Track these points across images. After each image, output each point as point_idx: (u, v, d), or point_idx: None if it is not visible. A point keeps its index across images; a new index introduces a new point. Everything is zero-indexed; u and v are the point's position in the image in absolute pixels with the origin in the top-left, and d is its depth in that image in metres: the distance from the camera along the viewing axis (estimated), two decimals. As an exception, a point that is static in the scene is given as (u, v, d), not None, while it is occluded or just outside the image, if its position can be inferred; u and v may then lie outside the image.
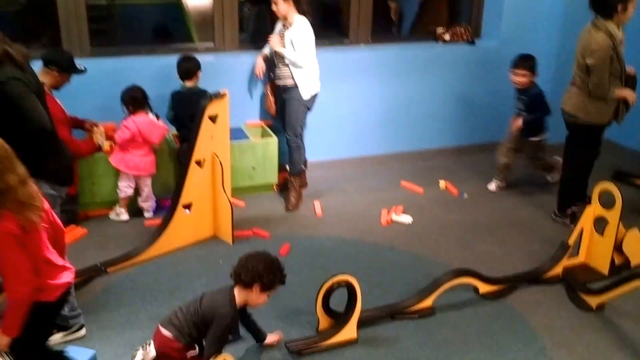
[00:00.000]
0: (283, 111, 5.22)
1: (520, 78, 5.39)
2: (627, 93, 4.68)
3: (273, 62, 5.18)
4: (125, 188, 4.83)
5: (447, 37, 6.18)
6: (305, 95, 5.07)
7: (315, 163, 5.73)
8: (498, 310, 3.94)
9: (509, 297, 4.08)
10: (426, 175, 5.96)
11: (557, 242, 4.47)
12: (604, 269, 4.36)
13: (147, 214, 4.96)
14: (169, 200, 4.91)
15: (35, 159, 2.85)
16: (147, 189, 4.90)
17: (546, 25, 6.27)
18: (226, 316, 3.07)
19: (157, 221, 4.68)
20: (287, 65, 5.03)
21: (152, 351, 3.22)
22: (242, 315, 3.30)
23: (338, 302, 3.58)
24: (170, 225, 4.38)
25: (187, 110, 4.71)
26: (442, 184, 5.70)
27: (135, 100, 4.73)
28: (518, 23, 6.21)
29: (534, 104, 5.41)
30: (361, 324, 3.60)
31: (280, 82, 5.14)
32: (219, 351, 3.05)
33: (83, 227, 4.71)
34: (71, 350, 3.19)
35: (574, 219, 4.97)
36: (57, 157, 3.35)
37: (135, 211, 4.96)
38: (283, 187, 5.41)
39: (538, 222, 5.17)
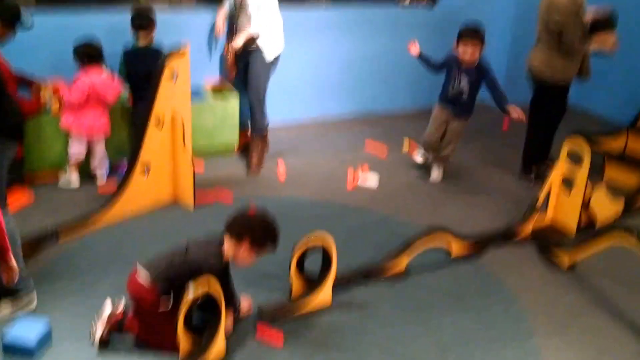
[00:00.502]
0: (245, 72, 4.95)
1: (472, 54, 4.67)
2: (602, 39, 4.56)
3: (233, 20, 4.90)
4: (76, 152, 4.49)
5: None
6: (269, 56, 4.82)
7: (276, 124, 5.51)
8: (472, 272, 3.84)
9: (482, 259, 3.98)
10: (389, 137, 5.80)
11: (526, 202, 4.41)
12: (572, 228, 4.29)
13: (100, 180, 4.64)
14: (122, 165, 4.63)
15: None
16: (101, 152, 4.58)
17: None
18: (214, 271, 2.86)
19: (111, 187, 4.39)
20: (249, 21, 4.75)
21: (121, 306, 3.04)
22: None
23: (309, 265, 3.40)
24: (127, 189, 4.09)
25: (142, 69, 4.41)
26: (406, 145, 5.55)
27: (90, 55, 4.36)
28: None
29: (483, 78, 4.76)
30: (334, 288, 3.42)
31: (242, 41, 4.87)
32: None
33: (30, 194, 4.37)
34: (23, 320, 2.96)
35: (538, 178, 4.92)
36: (7, 107, 3.00)
37: (86, 177, 4.62)
38: (244, 149, 5.16)
39: (505, 182, 5.09)
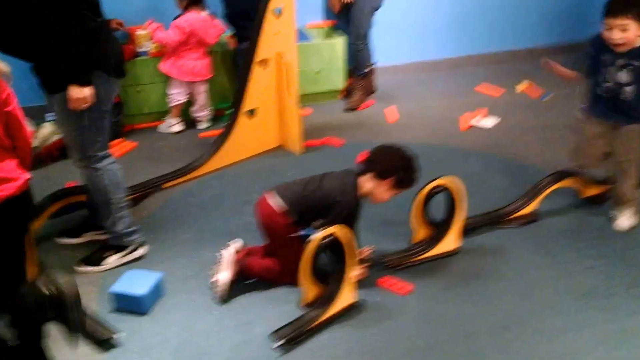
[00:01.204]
0: (348, 9, 4.63)
1: (620, 33, 2.99)
2: None
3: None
4: (177, 95, 4.33)
5: None
6: (374, -13, 4.48)
7: (383, 68, 5.17)
8: (605, 214, 3.41)
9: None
10: (502, 78, 5.37)
11: None
12: None
13: (201, 125, 4.48)
14: (224, 110, 4.44)
15: (89, 45, 2.53)
16: (202, 96, 4.41)
17: None
18: (347, 205, 2.66)
19: (215, 132, 4.21)
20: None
21: (237, 243, 2.87)
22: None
23: (433, 211, 3.10)
24: (233, 133, 3.90)
25: (241, 6, 4.16)
26: (520, 86, 5.11)
27: None
28: None
29: None
30: (462, 234, 3.12)
31: (345, -24, 4.55)
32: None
33: (131, 141, 4.25)
34: (135, 274, 2.78)
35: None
36: (110, 42, 2.81)
37: (188, 123, 4.47)
38: (348, 93, 4.87)
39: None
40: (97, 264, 2.96)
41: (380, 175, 2.68)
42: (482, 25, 5.53)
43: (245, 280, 2.82)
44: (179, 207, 3.51)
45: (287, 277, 2.74)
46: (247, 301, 2.77)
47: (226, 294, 2.74)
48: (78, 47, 2.52)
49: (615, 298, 2.79)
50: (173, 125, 4.40)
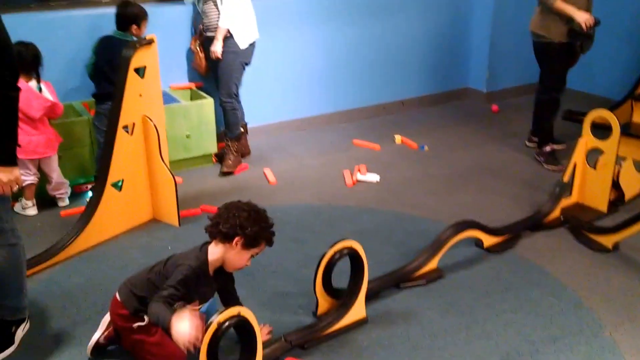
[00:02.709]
0: (216, 68, 4.26)
1: None
2: (572, 10, 4.13)
3: (198, 9, 4.23)
4: (24, 176, 3.66)
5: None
6: (242, 43, 4.14)
7: (255, 128, 4.82)
8: (510, 263, 3.26)
9: (516, 248, 3.40)
10: (377, 131, 5.19)
11: (536, 183, 4.02)
12: (602, 204, 3.77)
13: (61, 203, 3.86)
14: (87, 184, 3.89)
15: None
16: (55, 173, 3.78)
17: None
18: (187, 266, 2.26)
19: (78, 209, 3.63)
20: (216, 11, 4.09)
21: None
22: (221, 279, 2.42)
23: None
24: (99, 209, 3.33)
25: (109, 57, 3.71)
26: (398, 138, 4.94)
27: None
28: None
29: None
30: (366, 300, 2.76)
31: (210, 34, 4.19)
32: (170, 298, 2.18)
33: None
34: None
35: (551, 157, 4.43)
36: None
37: (48, 202, 3.84)
38: (223, 157, 4.43)
39: (509, 165, 4.54)
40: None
41: (225, 238, 2.29)
42: (353, 79, 5.35)
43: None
44: (41, 299, 2.88)
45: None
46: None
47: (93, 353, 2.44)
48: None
49: (542, 357, 2.53)
50: (28, 207, 3.76)
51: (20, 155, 3.50)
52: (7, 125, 2.29)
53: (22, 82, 3.45)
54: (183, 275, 2.22)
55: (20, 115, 3.40)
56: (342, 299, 2.70)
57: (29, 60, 3.55)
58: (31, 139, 3.59)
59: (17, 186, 2.38)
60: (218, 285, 2.41)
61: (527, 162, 4.57)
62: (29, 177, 3.70)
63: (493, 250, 3.35)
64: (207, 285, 2.33)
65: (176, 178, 4.00)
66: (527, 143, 4.83)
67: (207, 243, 2.36)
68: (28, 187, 3.72)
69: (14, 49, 2.36)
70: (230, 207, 2.33)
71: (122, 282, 2.42)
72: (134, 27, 3.87)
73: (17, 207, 3.75)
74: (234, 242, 2.28)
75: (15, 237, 2.50)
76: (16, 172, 2.36)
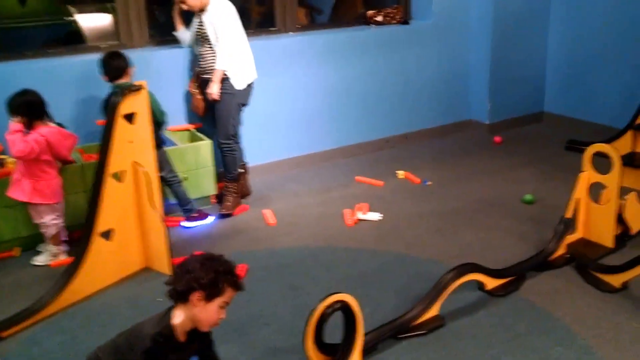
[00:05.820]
0: (214, 110, 4.04)
1: None
2: None
3: (195, 51, 4.03)
4: (55, 220, 3.44)
5: (379, 18, 5.20)
6: (239, 84, 3.93)
7: (255, 167, 4.58)
8: (515, 307, 2.97)
9: (521, 289, 3.10)
10: (380, 165, 4.93)
11: (541, 219, 3.71)
12: (607, 241, 3.47)
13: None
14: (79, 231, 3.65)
15: None
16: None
17: None
18: (149, 338, 1.94)
19: (67, 259, 3.40)
20: (212, 53, 3.88)
21: None
22: (199, 343, 2.11)
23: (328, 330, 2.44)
24: (87, 260, 3.09)
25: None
26: (401, 173, 4.67)
27: (32, 106, 3.26)
28: None
29: None
30: (363, 355, 2.48)
31: (207, 76, 3.97)
32: None
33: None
34: None
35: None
36: None
37: (35, 251, 3.57)
38: (222, 198, 4.19)
39: (514, 199, 4.23)
40: None
41: (183, 297, 1.98)
42: (355, 114, 5.11)
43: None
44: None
45: None
46: None
47: None
48: None
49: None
50: (61, 252, 3.51)
51: (54, 199, 3.32)
52: None
53: (46, 125, 3.28)
54: (143, 350, 1.93)
55: (50, 157, 3.26)
56: (336, 356, 2.42)
57: (41, 104, 3.33)
58: (54, 182, 3.40)
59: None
60: (195, 351, 2.13)
61: (532, 193, 4.26)
62: (60, 219, 3.49)
63: (496, 293, 3.06)
64: (177, 351, 2.03)
65: (172, 221, 3.78)
66: None
67: (171, 308, 2.04)
68: (57, 233, 3.49)
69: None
70: (183, 264, 2.03)
71: (94, 350, 2.11)
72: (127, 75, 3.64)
73: (42, 259, 3.48)
74: (195, 298, 1.97)
75: None
76: None
